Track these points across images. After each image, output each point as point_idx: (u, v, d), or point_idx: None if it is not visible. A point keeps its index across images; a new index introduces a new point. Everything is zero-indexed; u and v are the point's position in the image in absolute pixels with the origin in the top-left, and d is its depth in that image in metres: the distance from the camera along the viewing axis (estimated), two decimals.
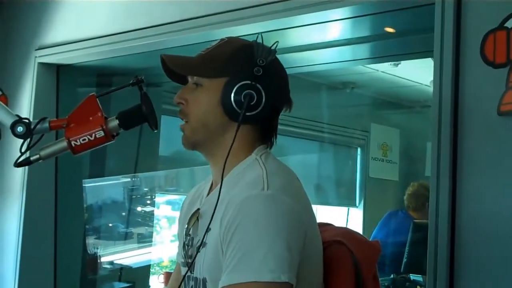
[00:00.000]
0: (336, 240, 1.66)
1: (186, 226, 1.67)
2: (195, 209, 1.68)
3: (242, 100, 1.55)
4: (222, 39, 1.66)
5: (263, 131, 1.63)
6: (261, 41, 1.61)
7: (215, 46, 1.64)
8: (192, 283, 1.60)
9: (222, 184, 1.55)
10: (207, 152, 1.65)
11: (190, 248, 1.62)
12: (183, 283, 1.66)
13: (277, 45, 1.61)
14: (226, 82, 1.58)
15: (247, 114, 1.56)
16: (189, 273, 1.62)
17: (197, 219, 1.63)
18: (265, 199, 1.45)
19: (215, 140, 1.61)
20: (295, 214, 1.47)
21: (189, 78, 1.65)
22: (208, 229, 1.53)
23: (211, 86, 1.60)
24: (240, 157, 1.60)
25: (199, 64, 1.62)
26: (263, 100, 1.56)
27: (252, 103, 1.56)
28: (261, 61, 1.57)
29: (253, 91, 1.55)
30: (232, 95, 1.56)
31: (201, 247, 1.55)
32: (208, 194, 1.68)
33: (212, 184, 1.69)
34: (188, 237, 1.65)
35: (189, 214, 1.69)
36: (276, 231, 1.42)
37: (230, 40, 1.65)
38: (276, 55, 1.62)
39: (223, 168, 1.55)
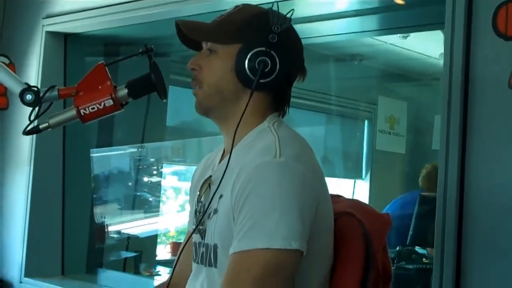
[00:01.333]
0: (346, 211, 1.66)
1: (198, 193, 1.67)
2: (207, 176, 1.68)
3: (256, 66, 1.54)
4: (237, 6, 1.64)
5: (276, 100, 1.63)
6: (276, 9, 1.59)
7: (230, 12, 1.63)
8: (203, 249, 1.61)
9: (234, 151, 1.54)
10: (219, 118, 1.65)
11: (202, 214, 1.63)
12: (194, 249, 1.67)
13: (292, 13, 1.60)
14: (240, 48, 1.57)
15: (261, 81, 1.55)
16: (200, 239, 1.62)
17: (209, 186, 1.63)
18: (277, 166, 1.45)
19: (228, 106, 1.60)
20: (308, 182, 1.47)
21: (203, 45, 1.64)
22: (220, 196, 1.54)
23: (225, 52, 1.59)
24: (252, 125, 1.60)
25: (213, 30, 1.61)
26: (277, 67, 1.55)
27: (266, 70, 1.55)
28: (276, 28, 1.55)
29: (268, 58, 1.55)
30: (246, 61, 1.55)
31: (212, 214, 1.56)
32: (220, 161, 1.67)
33: (224, 152, 1.68)
34: (200, 204, 1.65)
35: (200, 182, 1.69)
36: (288, 199, 1.42)
37: (245, 7, 1.64)
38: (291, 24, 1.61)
39: (234, 134, 1.55)
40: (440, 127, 2.20)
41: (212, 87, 1.59)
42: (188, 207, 1.83)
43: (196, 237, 1.65)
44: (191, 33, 1.62)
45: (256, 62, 1.54)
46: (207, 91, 1.60)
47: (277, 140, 1.52)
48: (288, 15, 1.60)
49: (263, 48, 1.55)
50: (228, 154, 1.57)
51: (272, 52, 1.55)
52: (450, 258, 2.13)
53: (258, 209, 1.43)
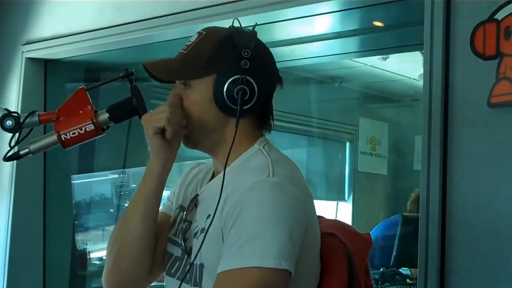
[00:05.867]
0: (329, 232, 1.66)
1: (184, 212, 1.66)
2: (192, 195, 1.67)
3: (236, 96, 1.54)
4: (199, 33, 1.62)
5: (261, 118, 1.62)
6: (238, 25, 1.58)
7: (195, 42, 1.60)
8: (187, 267, 1.58)
9: (225, 173, 1.53)
10: (208, 149, 1.64)
11: (188, 232, 1.61)
12: (170, 262, 1.66)
13: (255, 27, 1.59)
14: (215, 79, 1.55)
15: (244, 107, 1.54)
16: (181, 254, 1.62)
17: (195, 205, 1.63)
18: (271, 186, 1.46)
19: (215, 137, 1.60)
20: (300, 204, 1.48)
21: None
22: (207, 215, 1.53)
23: (200, 85, 1.57)
24: (242, 148, 1.59)
25: (183, 67, 1.59)
26: (256, 91, 1.55)
27: (246, 98, 1.54)
28: (246, 53, 1.55)
29: (245, 85, 1.54)
30: (225, 91, 1.54)
31: (199, 233, 1.55)
32: (209, 181, 1.66)
33: (213, 173, 1.67)
34: (186, 223, 1.64)
35: (186, 196, 1.69)
36: (281, 219, 1.42)
37: (208, 34, 1.61)
38: (258, 37, 1.60)
39: (225, 164, 1.53)
40: (421, 148, 2.21)
41: (195, 122, 1.58)
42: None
43: (175, 251, 1.64)
44: (162, 74, 1.60)
45: (235, 91, 1.54)
46: (191, 126, 1.59)
47: (270, 161, 1.52)
48: (252, 29, 1.59)
49: (238, 76, 1.54)
50: (218, 175, 1.58)
51: (248, 78, 1.54)
52: (434, 278, 2.12)
53: (250, 227, 1.42)
